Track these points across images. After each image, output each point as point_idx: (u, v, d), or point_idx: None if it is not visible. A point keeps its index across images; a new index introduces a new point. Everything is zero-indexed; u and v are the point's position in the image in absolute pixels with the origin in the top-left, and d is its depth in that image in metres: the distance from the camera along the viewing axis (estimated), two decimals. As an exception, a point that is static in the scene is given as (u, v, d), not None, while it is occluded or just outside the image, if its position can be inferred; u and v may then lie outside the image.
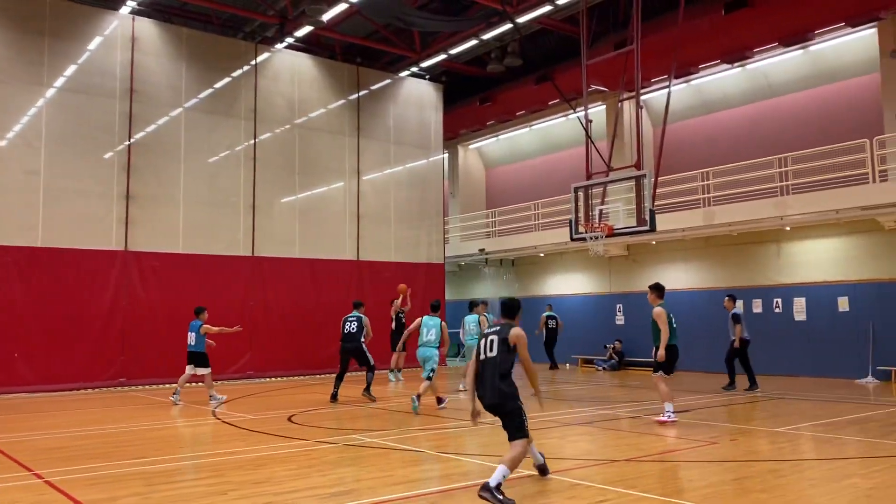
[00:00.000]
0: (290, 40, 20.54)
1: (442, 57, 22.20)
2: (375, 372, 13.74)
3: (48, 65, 16.82)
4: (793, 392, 14.63)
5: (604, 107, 22.51)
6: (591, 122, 14.66)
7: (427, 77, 23.83)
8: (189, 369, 13.52)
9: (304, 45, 21.45)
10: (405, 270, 22.21)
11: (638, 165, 13.72)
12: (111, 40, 17.70)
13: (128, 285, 17.38)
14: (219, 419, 11.51)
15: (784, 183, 17.96)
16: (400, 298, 18.43)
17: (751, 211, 17.96)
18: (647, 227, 13.06)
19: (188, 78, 18.75)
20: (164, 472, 7.47)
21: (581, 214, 14.09)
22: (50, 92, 16.85)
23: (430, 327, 12.53)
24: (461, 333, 15.88)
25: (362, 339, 13.61)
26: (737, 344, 15.02)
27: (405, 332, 13.81)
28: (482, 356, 6.63)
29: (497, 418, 6.54)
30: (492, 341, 6.61)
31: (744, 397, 13.92)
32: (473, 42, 21.07)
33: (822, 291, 17.83)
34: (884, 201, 15.86)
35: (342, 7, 18.41)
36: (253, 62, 19.87)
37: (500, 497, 5.78)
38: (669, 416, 10.45)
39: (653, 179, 13.48)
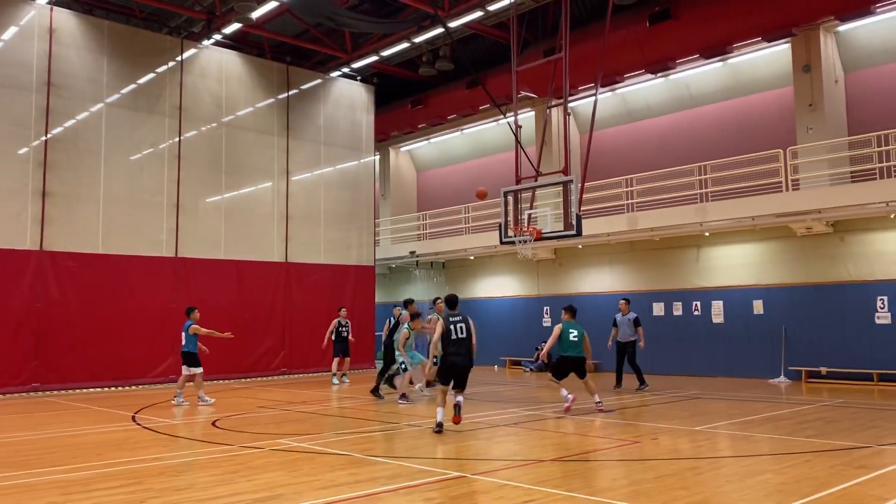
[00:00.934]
0: (217, 37, 20.04)
1: (373, 58, 22.09)
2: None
3: (-42, 54, 16.01)
4: (710, 392, 15.17)
5: (533, 113, 22.89)
6: (520, 127, 14.80)
7: (358, 78, 23.69)
8: (185, 370, 13.59)
9: (233, 43, 21.02)
10: (335, 272, 22.02)
11: (566, 171, 13.93)
12: (27, 30, 16.97)
13: (43, 286, 16.68)
14: (139, 424, 11.16)
15: (704, 190, 18.63)
16: (344, 311, 18.14)
17: (672, 217, 18.58)
18: (573, 232, 13.27)
19: (110, 72, 18.14)
20: (80, 480, 7.19)
21: (510, 218, 14.21)
22: (-41, 83, 16.05)
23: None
24: (399, 344, 14.05)
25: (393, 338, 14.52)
26: (642, 345, 15.84)
27: (431, 340, 11.88)
28: (454, 336, 9.81)
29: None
30: (461, 327, 9.90)
31: (634, 397, 14.29)
32: (405, 45, 21.04)
33: (738, 295, 18.55)
34: (796, 209, 16.65)
35: (272, 5, 18.08)
36: (179, 58, 19.35)
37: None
38: (568, 399, 11.84)
39: (579, 185, 13.73)
